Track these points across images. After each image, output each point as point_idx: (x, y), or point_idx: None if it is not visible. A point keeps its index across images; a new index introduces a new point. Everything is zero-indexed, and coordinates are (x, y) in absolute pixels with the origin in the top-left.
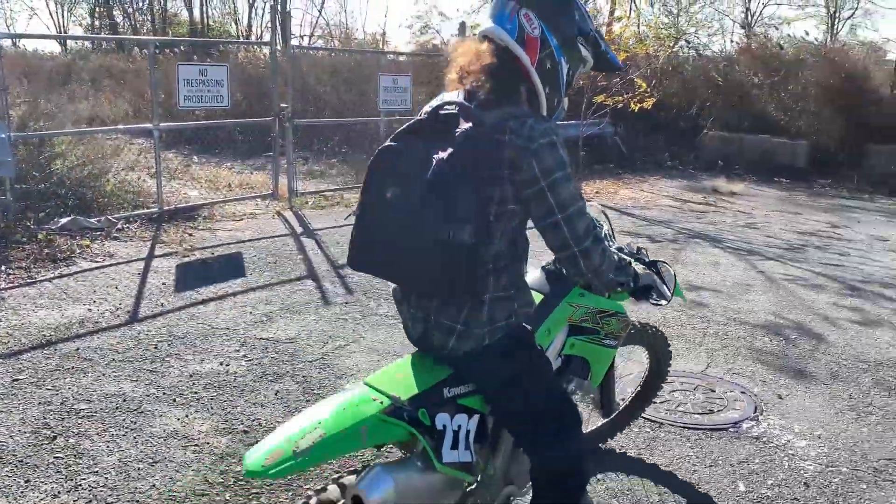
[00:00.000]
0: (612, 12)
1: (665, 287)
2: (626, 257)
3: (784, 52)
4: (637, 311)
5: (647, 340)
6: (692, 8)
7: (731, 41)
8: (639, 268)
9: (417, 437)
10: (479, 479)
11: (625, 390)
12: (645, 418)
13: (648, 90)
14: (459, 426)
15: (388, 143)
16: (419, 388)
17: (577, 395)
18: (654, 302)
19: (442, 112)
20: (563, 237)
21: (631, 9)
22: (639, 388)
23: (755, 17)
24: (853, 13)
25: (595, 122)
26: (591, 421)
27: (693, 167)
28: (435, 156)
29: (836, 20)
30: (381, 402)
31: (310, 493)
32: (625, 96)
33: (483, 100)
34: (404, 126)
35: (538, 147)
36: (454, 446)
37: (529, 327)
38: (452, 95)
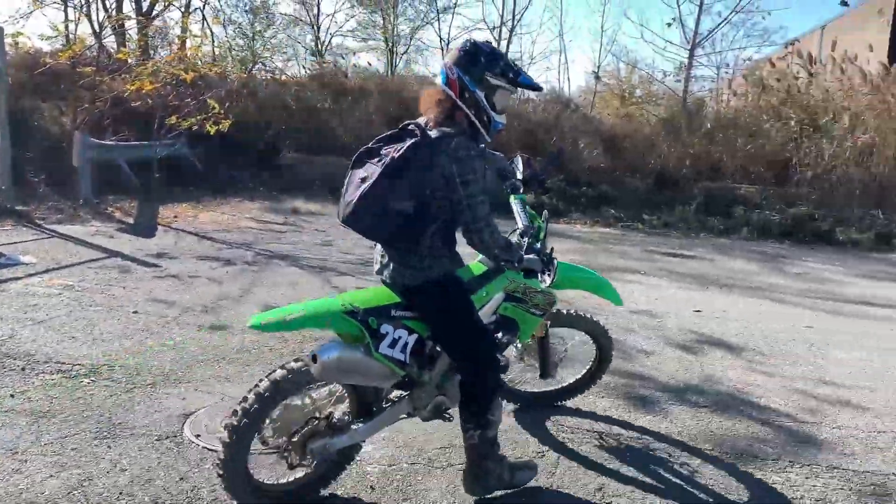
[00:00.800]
0: (183, 30)
1: (547, 275)
2: (516, 243)
3: (350, 79)
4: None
5: (587, 327)
6: (266, 33)
7: (304, 67)
8: (530, 256)
9: (364, 334)
10: (416, 381)
11: (581, 370)
12: None
13: (222, 112)
14: (400, 336)
15: (369, 144)
16: (374, 304)
17: (523, 360)
18: (539, 282)
19: (406, 128)
20: (467, 218)
21: (203, 28)
22: (591, 368)
23: (325, 46)
24: (407, 49)
25: (170, 142)
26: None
27: (273, 188)
28: (391, 152)
29: (395, 55)
30: (345, 306)
31: (289, 360)
32: (198, 118)
33: (432, 123)
34: (382, 135)
35: (459, 156)
36: (391, 346)
37: (463, 279)
38: (419, 120)
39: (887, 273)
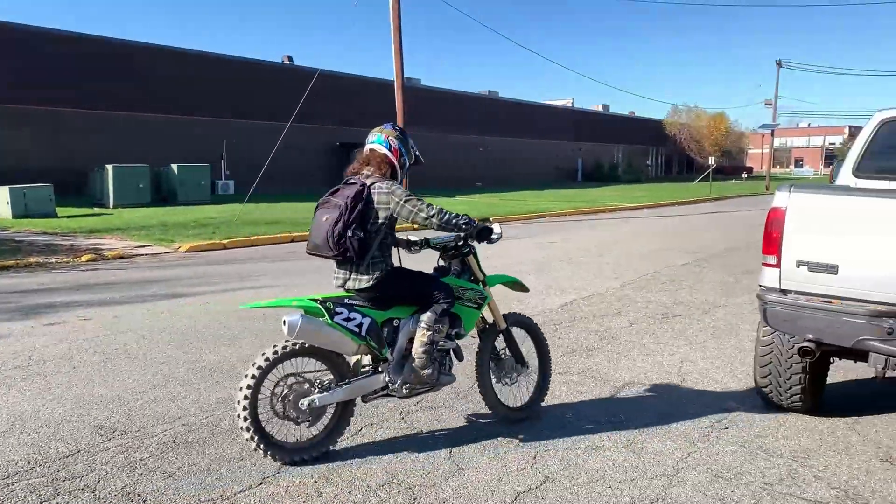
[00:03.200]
0: None
1: (497, 226)
2: (462, 216)
3: None
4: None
5: (522, 323)
6: None
7: None
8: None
9: (322, 310)
10: (380, 357)
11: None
12: None
13: None
14: (354, 316)
15: (325, 196)
16: (333, 296)
17: (515, 378)
18: (494, 239)
19: (348, 182)
20: (419, 217)
21: None
22: (538, 367)
23: None
24: None
25: None
26: (527, 389)
27: None
28: (341, 198)
29: None
30: (311, 299)
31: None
32: None
33: (369, 175)
34: (334, 188)
35: (393, 190)
36: (346, 320)
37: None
38: (364, 173)
39: None
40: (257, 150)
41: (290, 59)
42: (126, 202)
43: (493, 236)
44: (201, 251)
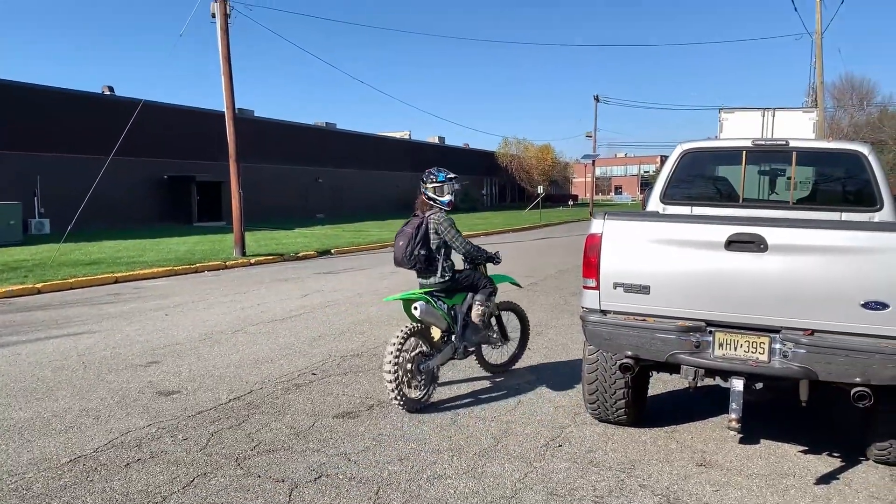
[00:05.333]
0: None
1: (499, 259)
2: (484, 252)
3: None
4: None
5: (512, 308)
6: None
7: None
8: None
9: (429, 299)
10: (451, 331)
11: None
12: None
13: None
14: (442, 303)
15: (402, 226)
16: (427, 291)
17: (496, 343)
18: (498, 262)
19: (415, 214)
20: (454, 245)
21: None
22: (519, 341)
23: None
24: None
25: None
26: (503, 352)
27: None
28: (410, 227)
29: None
30: (420, 292)
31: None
32: None
33: (425, 209)
34: (407, 221)
35: (441, 221)
36: (437, 305)
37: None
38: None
39: None
40: (76, 186)
41: (110, 89)
42: None
43: (498, 261)
44: (11, 297)
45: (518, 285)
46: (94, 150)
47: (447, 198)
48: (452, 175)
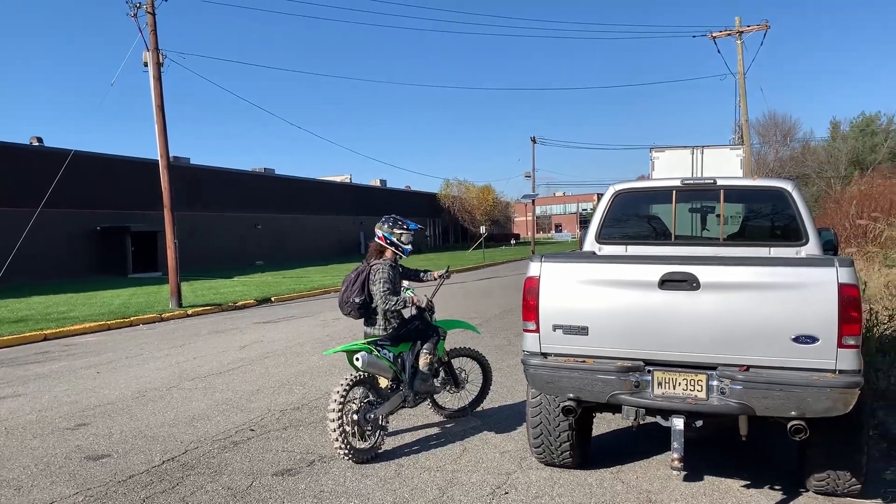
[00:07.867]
0: None
1: (431, 312)
2: (403, 299)
3: None
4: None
5: (474, 356)
6: None
7: None
8: (424, 303)
9: (372, 348)
10: (399, 378)
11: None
12: None
13: None
14: (387, 352)
15: (349, 273)
16: (370, 340)
17: (443, 390)
18: (431, 314)
19: (364, 263)
20: (377, 300)
21: None
22: (480, 387)
23: None
24: None
25: None
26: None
27: None
28: (354, 274)
29: None
30: (363, 342)
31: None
32: None
33: (376, 255)
34: (355, 267)
35: (377, 271)
36: (381, 354)
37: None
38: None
39: None
40: (1, 241)
41: (39, 140)
42: None
43: (433, 312)
44: None
45: (476, 331)
46: (21, 203)
47: (409, 246)
48: (421, 226)
